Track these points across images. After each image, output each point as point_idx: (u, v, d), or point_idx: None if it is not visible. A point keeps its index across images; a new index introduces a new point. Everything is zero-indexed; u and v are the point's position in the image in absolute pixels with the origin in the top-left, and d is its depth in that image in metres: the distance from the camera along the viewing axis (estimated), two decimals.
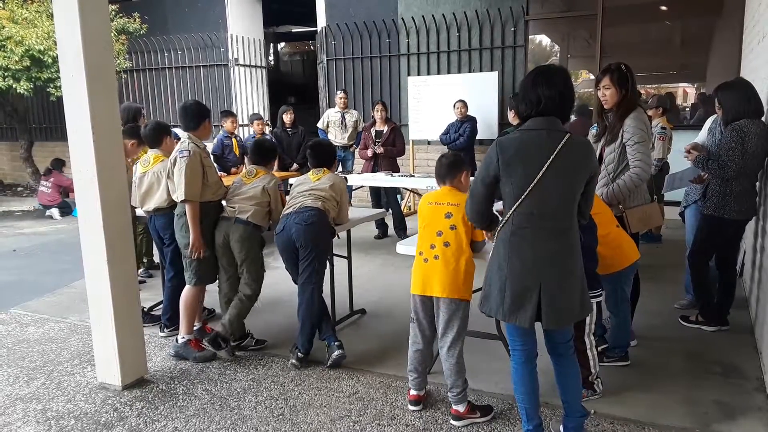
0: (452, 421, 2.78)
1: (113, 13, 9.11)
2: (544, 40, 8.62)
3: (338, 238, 4.37)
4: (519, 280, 2.28)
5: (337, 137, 7.46)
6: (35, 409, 3.07)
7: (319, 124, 7.61)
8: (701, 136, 4.07)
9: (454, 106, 7.07)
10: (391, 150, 6.65)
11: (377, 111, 6.70)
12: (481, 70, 8.26)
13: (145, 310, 4.20)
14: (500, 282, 2.32)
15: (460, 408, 2.76)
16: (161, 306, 4.18)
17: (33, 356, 3.74)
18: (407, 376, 2.95)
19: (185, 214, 3.48)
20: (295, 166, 7.06)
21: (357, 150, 7.03)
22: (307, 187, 3.57)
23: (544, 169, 2.22)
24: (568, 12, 8.05)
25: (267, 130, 7.53)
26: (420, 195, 8.16)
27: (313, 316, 3.43)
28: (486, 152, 2.39)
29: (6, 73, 8.28)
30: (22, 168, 10.81)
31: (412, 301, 2.82)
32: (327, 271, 3.86)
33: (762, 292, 3.48)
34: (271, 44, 14.73)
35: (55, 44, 3.35)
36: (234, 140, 6.87)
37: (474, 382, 3.13)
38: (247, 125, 7.78)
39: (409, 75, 8.67)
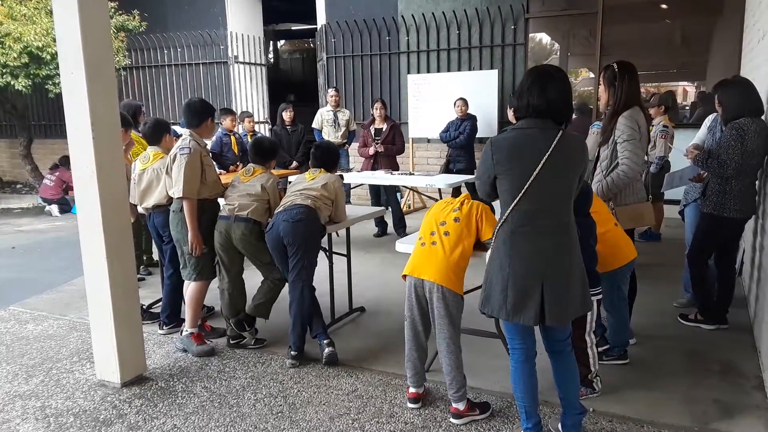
0: (452, 419, 2.78)
1: (112, 10, 9.08)
2: (544, 38, 8.61)
3: (338, 236, 4.39)
4: (522, 278, 2.28)
5: (330, 136, 7.46)
6: (34, 406, 3.07)
7: (314, 125, 7.60)
8: (701, 134, 4.07)
9: (455, 104, 7.07)
10: (390, 148, 6.65)
11: (376, 109, 6.70)
12: (481, 68, 8.25)
13: (144, 307, 4.19)
14: (502, 282, 2.32)
15: (460, 406, 2.77)
16: (160, 303, 4.18)
17: (32, 353, 3.74)
18: (406, 374, 2.95)
19: (181, 210, 3.49)
20: (294, 164, 7.06)
21: (357, 148, 7.04)
22: (300, 186, 3.59)
23: (540, 166, 2.23)
24: (568, 10, 8.04)
25: (265, 128, 7.52)
26: (419, 193, 8.17)
27: (303, 314, 3.44)
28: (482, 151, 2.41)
29: (4, 70, 8.26)
30: (21, 165, 10.80)
31: (407, 292, 2.80)
32: (326, 269, 3.87)
33: (761, 290, 3.48)
34: (271, 42, 14.71)
35: (54, 41, 3.34)
36: (233, 138, 6.86)
37: (473, 380, 3.13)
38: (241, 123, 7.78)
39: (409, 73, 8.67)
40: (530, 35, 8.15)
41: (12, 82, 8.38)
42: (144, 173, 3.92)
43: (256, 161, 3.80)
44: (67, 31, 2.91)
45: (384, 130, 6.70)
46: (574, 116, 6.20)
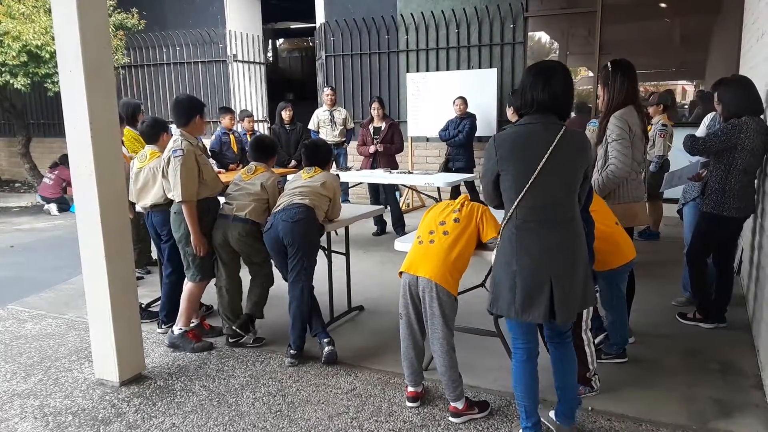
0: (450, 418, 2.78)
1: (111, 8, 9.07)
2: (543, 37, 8.60)
3: (337, 235, 4.38)
4: (530, 275, 2.29)
5: (327, 135, 7.46)
6: (33, 405, 3.07)
7: (311, 126, 7.60)
8: (700, 133, 4.06)
9: (454, 103, 7.07)
10: (389, 147, 6.65)
11: (374, 108, 6.69)
12: (480, 67, 8.25)
13: (142, 306, 4.19)
14: (510, 280, 2.32)
15: (459, 405, 2.77)
16: (158, 302, 4.18)
17: (30, 352, 3.74)
18: (404, 373, 2.95)
19: (178, 209, 3.49)
20: (293, 162, 7.06)
21: (356, 147, 7.04)
22: (297, 184, 3.58)
23: (543, 162, 2.23)
24: (567, 9, 8.04)
25: (264, 126, 7.52)
26: (418, 192, 8.17)
27: (303, 313, 3.44)
28: (484, 149, 2.41)
29: (3, 69, 8.25)
30: (19, 164, 10.78)
31: (402, 290, 2.79)
32: (325, 268, 3.87)
33: (759, 289, 3.49)
34: (270, 40, 14.70)
35: (53, 39, 3.34)
36: (232, 137, 6.86)
37: (471, 378, 3.14)
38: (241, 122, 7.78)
39: (408, 72, 8.66)
40: (529, 34, 8.15)
41: (11, 81, 8.37)
42: (141, 172, 3.91)
43: (256, 159, 3.80)
44: (65, 30, 2.90)
45: (382, 129, 6.70)
46: (572, 114, 6.22)
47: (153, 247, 4.75)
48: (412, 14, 8.54)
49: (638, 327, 3.68)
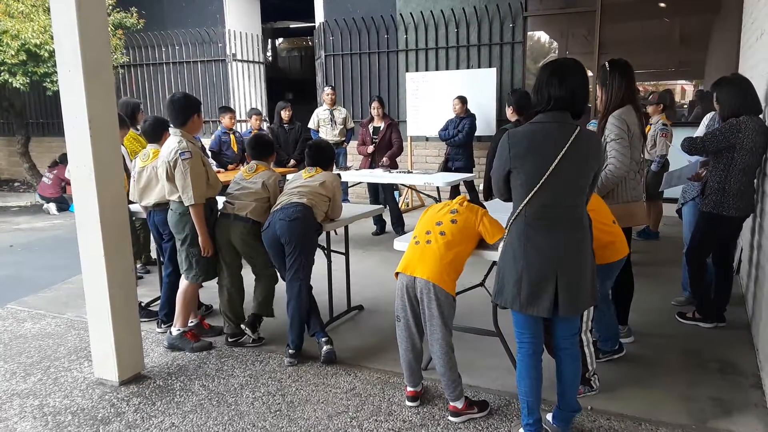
0: (450, 417, 2.78)
1: (110, 7, 9.07)
2: (542, 36, 8.60)
3: (336, 234, 4.38)
4: (536, 270, 2.30)
5: (327, 135, 7.48)
6: (32, 404, 3.07)
7: (311, 125, 7.61)
8: (699, 133, 4.07)
9: (453, 103, 7.06)
10: (394, 153, 6.65)
11: (374, 108, 6.70)
12: (479, 67, 8.25)
13: (142, 305, 4.20)
14: (516, 274, 2.33)
15: (458, 404, 2.76)
16: (158, 302, 4.17)
17: (30, 352, 3.74)
18: (403, 374, 2.94)
19: (185, 212, 3.47)
20: (292, 162, 7.06)
21: (356, 146, 7.05)
22: (297, 184, 3.58)
23: (557, 161, 2.24)
24: (566, 8, 8.04)
25: (264, 125, 7.53)
26: (418, 191, 8.17)
27: (301, 312, 3.44)
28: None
29: (2, 68, 8.24)
30: (18, 163, 10.77)
31: (398, 292, 2.77)
32: (324, 267, 3.87)
33: (759, 289, 3.49)
34: (269, 40, 14.69)
35: (52, 38, 3.33)
36: (232, 136, 6.86)
37: (471, 378, 3.14)
38: (246, 120, 7.78)
39: (407, 71, 8.66)
40: (529, 33, 8.15)
41: (9, 80, 8.36)
42: (143, 171, 3.91)
43: (256, 157, 3.80)
44: (64, 29, 2.90)
45: (381, 128, 6.70)
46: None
47: (152, 247, 4.75)
48: (411, 14, 8.54)
49: (638, 326, 3.68)
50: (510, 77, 8.14)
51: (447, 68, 8.47)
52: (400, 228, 6.54)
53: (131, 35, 10.02)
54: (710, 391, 3.00)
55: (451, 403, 2.78)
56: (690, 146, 3.67)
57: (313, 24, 9.71)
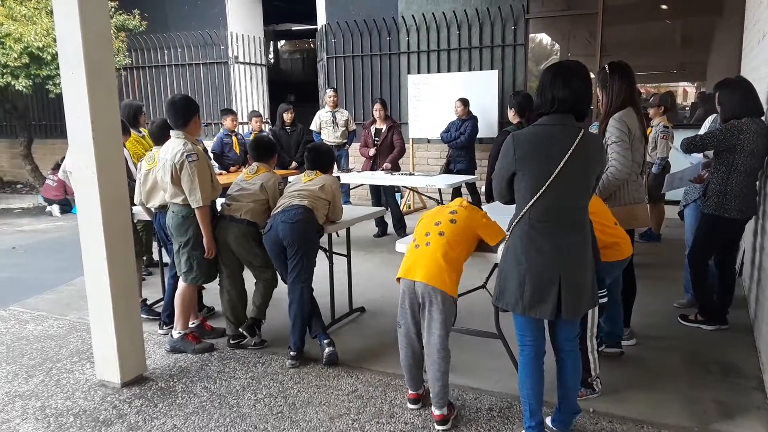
0: (439, 427, 2.71)
1: (113, 9, 9.09)
2: (544, 38, 8.61)
3: (338, 236, 4.39)
4: (540, 273, 2.30)
5: (329, 137, 7.49)
6: (34, 406, 3.07)
7: (313, 127, 7.62)
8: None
9: (455, 105, 7.07)
10: (395, 156, 6.65)
11: (376, 110, 6.71)
12: (481, 69, 8.25)
13: (146, 302, 4.22)
14: (519, 276, 2.33)
15: (445, 411, 2.72)
16: (160, 303, 4.18)
17: (32, 353, 3.74)
18: (404, 377, 2.92)
19: (188, 214, 3.48)
20: (294, 164, 7.07)
21: (358, 148, 7.05)
22: (297, 187, 3.59)
23: (562, 163, 2.24)
24: (568, 10, 8.05)
25: (267, 127, 7.55)
26: (419, 193, 8.17)
27: (303, 314, 3.44)
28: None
29: (5, 70, 8.27)
30: (21, 165, 10.79)
31: (400, 298, 2.73)
32: (326, 269, 3.87)
33: (761, 291, 3.48)
34: (271, 42, 14.72)
35: (54, 41, 3.34)
36: (234, 138, 6.87)
37: (473, 380, 3.14)
38: (247, 123, 7.80)
39: (409, 73, 8.67)
40: (530, 36, 8.15)
41: (12, 83, 8.39)
42: (149, 173, 3.92)
43: (257, 159, 3.81)
44: (67, 31, 2.91)
45: (383, 130, 6.71)
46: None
47: (154, 248, 4.76)
48: (413, 16, 8.55)
49: (640, 329, 3.68)
50: (512, 79, 8.14)
51: (449, 70, 8.48)
52: (401, 230, 6.54)
53: (134, 37, 10.05)
54: (712, 394, 2.99)
55: (438, 412, 2.72)
56: (689, 144, 3.68)
57: (315, 26, 9.73)
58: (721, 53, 7.32)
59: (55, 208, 8.81)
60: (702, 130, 4.13)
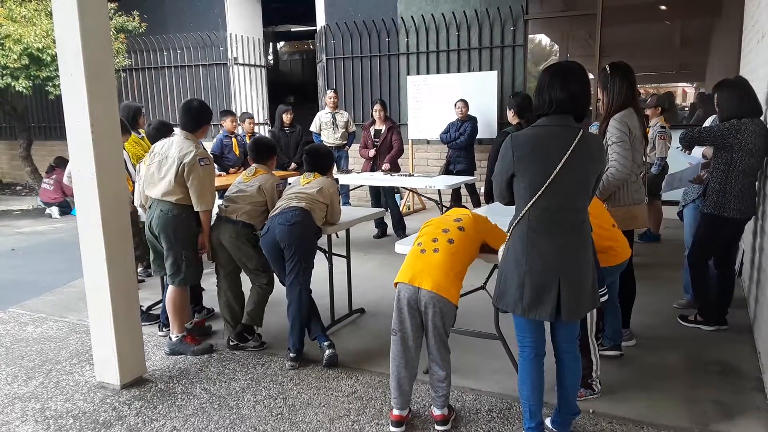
0: (438, 427, 2.71)
1: (112, 11, 9.10)
2: (543, 39, 8.61)
3: (338, 237, 4.38)
4: (539, 274, 2.30)
5: (329, 138, 7.50)
6: (34, 408, 3.07)
7: (313, 128, 7.63)
8: None
9: (455, 105, 7.08)
10: (393, 156, 6.66)
11: (376, 111, 6.71)
12: (480, 70, 8.26)
13: (143, 309, 4.19)
14: (518, 277, 2.33)
15: (445, 411, 2.72)
16: (160, 305, 4.18)
17: (31, 355, 3.74)
18: (391, 394, 2.75)
19: (178, 213, 3.46)
20: (293, 165, 7.07)
21: (358, 149, 7.06)
22: (295, 189, 3.59)
23: (560, 164, 2.24)
24: (567, 11, 8.06)
25: (266, 129, 7.55)
26: (419, 194, 8.18)
27: (302, 316, 3.44)
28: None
29: (4, 72, 8.27)
30: (20, 167, 10.80)
31: (397, 303, 2.63)
32: (325, 270, 3.87)
33: (761, 291, 3.48)
34: (271, 43, 14.72)
35: (54, 42, 3.34)
36: (234, 140, 6.87)
37: (473, 381, 3.14)
38: (240, 124, 7.79)
39: (408, 74, 8.68)
40: (529, 36, 8.16)
41: (12, 84, 8.39)
42: None
43: (256, 160, 3.82)
44: (66, 33, 2.91)
45: (383, 131, 6.71)
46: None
47: None
48: (412, 17, 8.55)
49: (640, 329, 3.68)
50: (511, 80, 8.15)
51: (448, 71, 8.48)
52: (401, 231, 6.54)
53: (133, 39, 10.05)
54: (712, 394, 2.99)
55: (438, 412, 2.70)
56: (686, 136, 3.70)
57: (314, 27, 9.73)
58: (720, 54, 7.33)
59: (54, 210, 8.80)
60: None
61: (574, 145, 2.25)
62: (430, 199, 7.74)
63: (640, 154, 3.25)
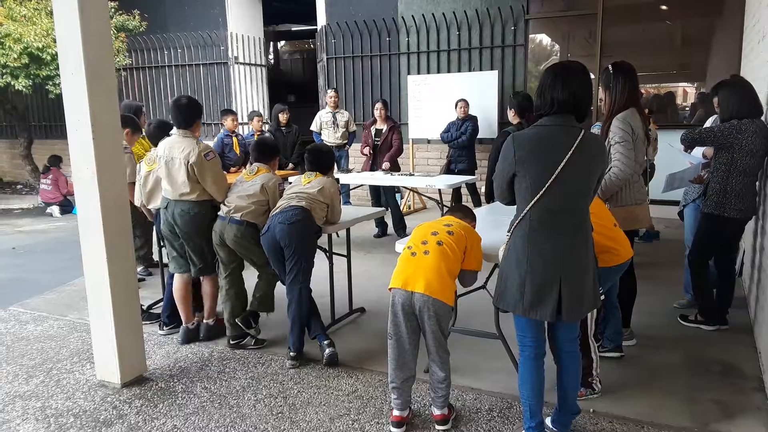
0: (439, 427, 2.71)
1: (113, 10, 9.10)
2: (544, 39, 8.61)
3: (338, 236, 4.39)
4: (540, 274, 2.30)
5: (329, 137, 7.50)
6: (34, 406, 3.07)
7: (313, 127, 7.63)
8: None
9: (456, 105, 7.08)
10: (392, 154, 6.66)
11: (377, 110, 6.71)
12: (481, 69, 8.26)
13: (144, 308, 4.20)
14: (519, 277, 2.33)
15: (446, 410, 2.72)
16: (160, 304, 4.18)
17: (32, 354, 3.74)
18: (390, 396, 2.76)
19: (200, 210, 3.59)
20: (290, 165, 7.08)
21: (360, 148, 7.06)
22: (296, 189, 3.59)
23: (562, 164, 2.23)
24: (568, 11, 8.05)
25: (266, 127, 7.56)
26: (419, 194, 8.18)
27: (302, 315, 3.44)
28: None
29: (5, 71, 8.28)
30: (21, 166, 10.81)
31: (392, 308, 2.63)
32: (326, 270, 3.88)
33: (761, 291, 3.48)
34: (271, 42, 14.72)
35: (54, 42, 3.35)
36: (234, 139, 6.88)
37: (473, 381, 3.14)
38: (247, 123, 7.81)
39: (409, 74, 8.68)
40: (530, 36, 8.15)
41: (12, 83, 8.39)
42: (150, 175, 3.93)
43: (258, 160, 3.82)
44: (67, 32, 2.91)
45: (384, 131, 6.71)
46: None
47: (154, 249, 4.76)
48: (413, 16, 8.55)
49: (640, 329, 3.68)
50: (512, 80, 8.14)
51: (449, 71, 8.48)
52: (401, 230, 6.55)
53: (134, 38, 10.06)
54: (712, 394, 2.99)
55: (438, 412, 2.70)
56: (687, 135, 3.70)
57: (315, 27, 9.74)
58: (721, 54, 7.33)
59: (55, 209, 8.81)
60: None
61: (575, 145, 2.25)
62: (430, 198, 7.74)
63: (642, 153, 3.25)
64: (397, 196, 7.16)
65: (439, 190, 6.48)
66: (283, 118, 7.17)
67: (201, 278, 3.77)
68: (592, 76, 7.60)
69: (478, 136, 7.12)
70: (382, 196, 6.70)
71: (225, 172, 6.45)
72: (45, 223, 8.25)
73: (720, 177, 3.58)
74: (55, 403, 3.10)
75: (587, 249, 2.36)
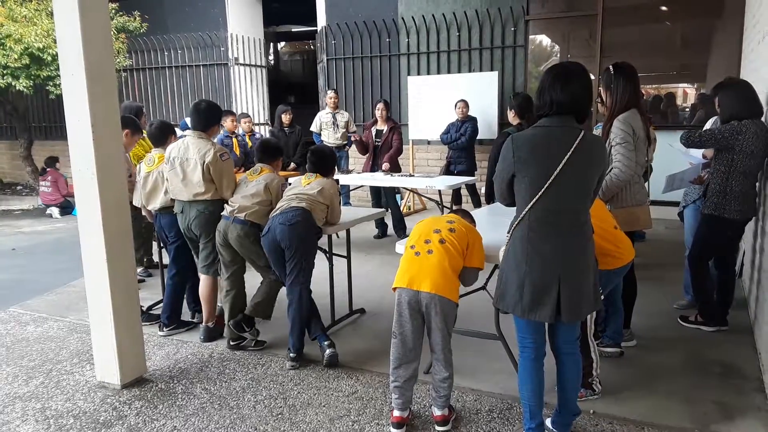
0: (438, 428, 2.70)
1: (113, 11, 9.10)
2: (544, 40, 8.61)
3: (338, 237, 4.39)
4: (539, 276, 2.29)
5: (329, 138, 7.50)
6: (34, 407, 3.07)
7: (313, 128, 7.63)
8: None
9: (456, 105, 7.08)
10: (391, 155, 6.65)
11: (379, 110, 6.71)
12: (481, 70, 8.26)
13: (143, 309, 4.19)
14: (518, 279, 2.33)
15: (446, 411, 2.72)
16: (160, 305, 4.18)
17: (32, 355, 3.74)
18: (391, 396, 2.75)
19: (214, 209, 3.65)
20: (292, 165, 7.08)
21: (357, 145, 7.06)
22: (296, 190, 3.59)
23: (561, 165, 2.23)
24: (568, 12, 8.05)
25: (266, 129, 7.56)
26: (419, 195, 8.17)
27: (302, 316, 3.44)
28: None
29: (5, 71, 8.28)
30: (21, 167, 10.81)
31: (397, 307, 2.63)
32: (326, 270, 3.88)
33: (761, 292, 3.48)
34: (271, 43, 14.73)
35: (55, 42, 3.35)
36: (234, 140, 6.88)
37: (473, 382, 3.14)
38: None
39: (409, 75, 8.68)
40: (530, 37, 8.16)
41: (13, 83, 8.40)
42: (149, 175, 3.93)
43: (261, 160, 3.83)
44: (67, 33, 2.91)
45: (384, 131, 6.71)
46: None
47: (154, 250, 4.76)
48: (413, 17, 8.55)
49: (640, 330, 3.68)
50: (512, 81, 8.15)
51: (449, 72, 8.48)
52: (402, 231, 6.54)
53: (134, 39, 10.06)
54: (713, 395, 2.99)
55: (438, 413, 2.70)
56: (688, 138, 3.69)
57: (315, 28, 9.74)
58: (721, 54, 7.33)
59: (55, 210, 8.81)
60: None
61: (575, 146, 2.24)
62: (430, 199, 7.74)
63: (643, 154, 3.25)
64: (397, 197, 7.16)
65: (439, 191, 6.48)
66: (286, 118, 7.17)
67: (202, 278, 3.77)
68: (593, 77, 7.65)
69: (478, 137, 7.12)
70: (382, 197, 6.70)
71: None
72: (45, 224, 8.25)
73: (720, 178, 3.57)
74: (54, 405, 3.09)
75: (587, 250, 2.36)
